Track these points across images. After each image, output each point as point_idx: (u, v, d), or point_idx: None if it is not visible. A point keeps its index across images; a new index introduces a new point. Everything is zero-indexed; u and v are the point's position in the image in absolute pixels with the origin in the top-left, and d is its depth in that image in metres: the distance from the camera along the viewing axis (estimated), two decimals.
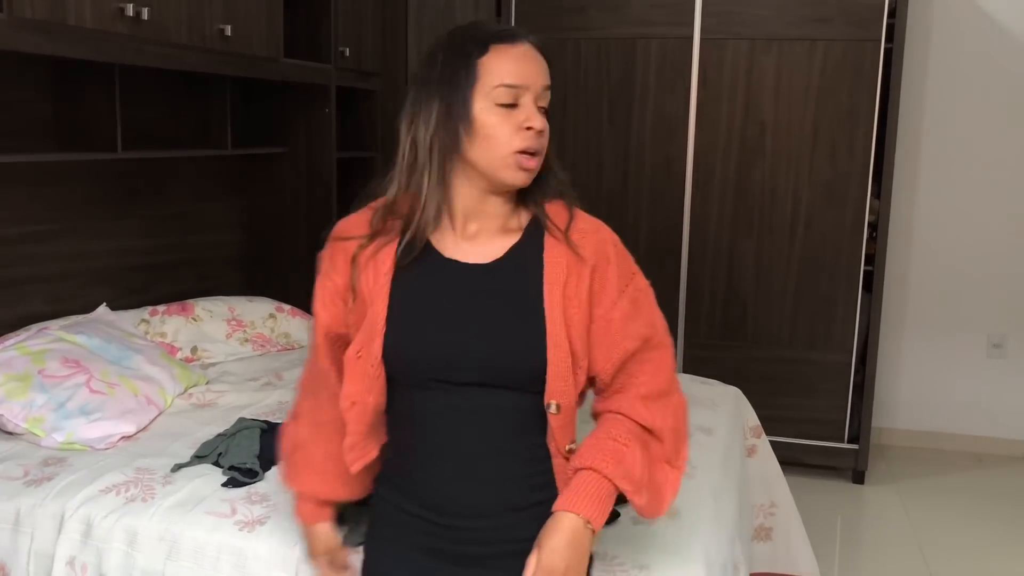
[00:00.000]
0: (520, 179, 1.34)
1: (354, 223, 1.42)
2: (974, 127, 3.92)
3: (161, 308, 2.90)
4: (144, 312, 2.87)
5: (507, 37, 1.32)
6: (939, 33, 3.88)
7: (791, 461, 3.50)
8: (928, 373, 4.10)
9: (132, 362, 2.44)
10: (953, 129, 3.93)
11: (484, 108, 1.30)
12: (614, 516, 1.78)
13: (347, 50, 3.52)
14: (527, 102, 1.32)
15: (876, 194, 3.53)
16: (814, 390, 3.61)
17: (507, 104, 1.30)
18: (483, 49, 1.30)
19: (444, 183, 1.34)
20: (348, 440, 1.39)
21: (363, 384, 1.35)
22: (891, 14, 3.36)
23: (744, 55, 3.51)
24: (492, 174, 1.32)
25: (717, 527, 1.87)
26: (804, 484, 3.51)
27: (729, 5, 3.48)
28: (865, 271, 3.53)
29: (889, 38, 3.37)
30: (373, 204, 1.41)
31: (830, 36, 3.41)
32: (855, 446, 3.61)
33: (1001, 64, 3.84)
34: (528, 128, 1.31)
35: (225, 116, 3.12)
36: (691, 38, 3.54)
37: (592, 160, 3.72)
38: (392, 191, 1.38)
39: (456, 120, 1.30)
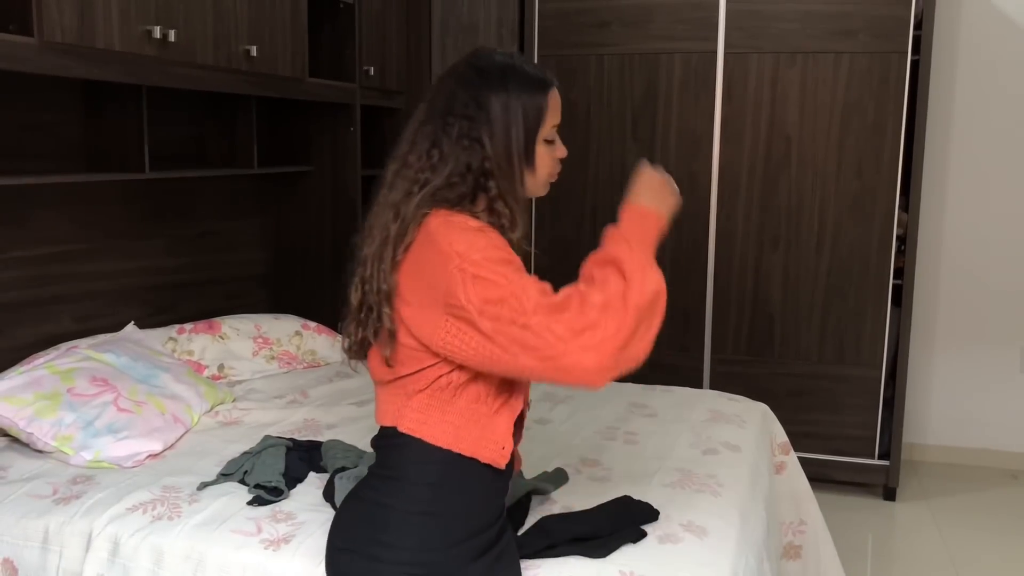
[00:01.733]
0: (541, 194, 1.57)
1: (477, 221, 1.46)
2: (1003, 138, 3.87)
3: (188, 326, 2.92)
4: (171, 330, 2.89)
5: (553, 81, 1.55)
6: (966, 44, 3.85)
7: (820, 478, 3.46)
8: (960, 388, 4.04)
9: (159, 380, 2.45)
10: (981, 140, 3.89)
11: (541, 143, 1.50)
12: (640, 535, 1.76)
13: (371, 69, 3.54)
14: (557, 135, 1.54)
15: (904, 207, 3.49)
16: (843, 406, 3.57)
17: (552, 140, 1.53)
18: (546, 91, 1.50)
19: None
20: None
21: None
22: (917, 26, 3.34)
23: (769, 69, 3.49)
24: (526, 194, 1.52)
25: (745, 545, 1.84)
26: (834, 501, 3.47)
27: (753, 19, 3.47)
28: (894, 285, 3.49)
29: (916, 50, 3.35)
30: (461, 215, 1.45)
31: (855, 49, 3.39)
32: (886, 462, 3.56)
33: None
34: (559, 158, 1.54)
35: (251, 136, 3.15)
36: (715, 52, 3.53)
37: (616, 175, 3.71)
38: (479, 209, 1.47)
39: (524, 154, 1.48)
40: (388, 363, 1.47)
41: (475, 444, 1.46)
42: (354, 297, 1.50)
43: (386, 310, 1.44)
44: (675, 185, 1.54)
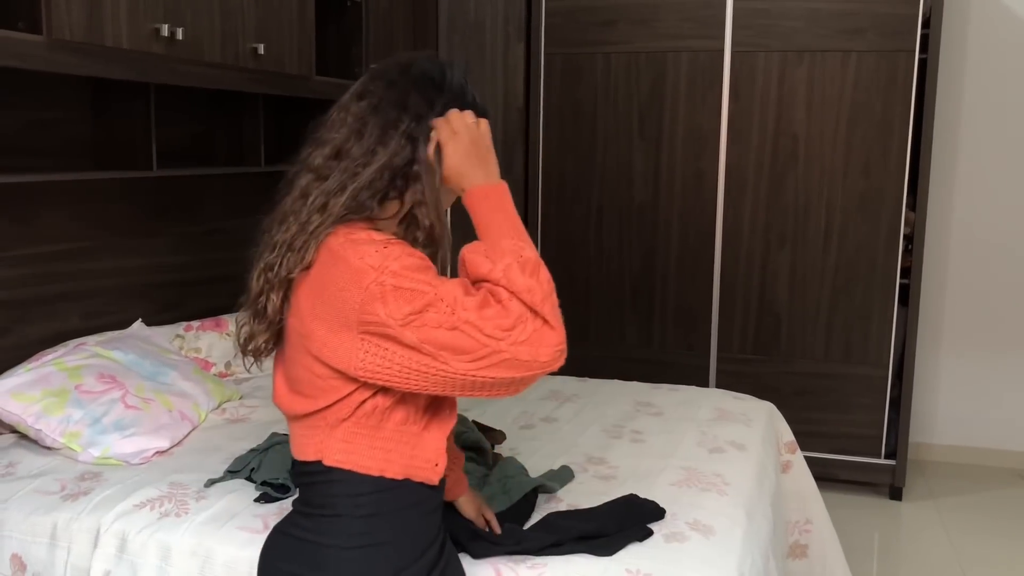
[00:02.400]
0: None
1: (381, 234, 1.38)
2: (1011, 137, 3.86)
3: (195, 324, 2.93)
4: (178, 328, 2.89)
5: (488, 115, 1.47)
6: (974, 43, 3.84)
7: (826, 477, 3.45)
8: (967, 387, 4.03)
9: (167, 377, 2.46)
10: (989, 139, 3.88)
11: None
12: (646, 534, 1.76)
13: None
14: None
15: (911, 206, 3.48)
16: (850, 405, 3.57)
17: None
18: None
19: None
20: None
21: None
22: (925, 24, 3.33)
23: (776, 67, 3.49)
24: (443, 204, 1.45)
25: (751, 544, 1.84)
26: (840, 500, 3.46)
27: (760, 17, 3.47)
28: (901, 284, 3.49)
29: (923, 48, 3.34)
30: (362, 231, 1.37)
31: (863, 47, 3.38)
32: (892, 462, 3.56)
33: None
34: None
35: (258, 134, 3.15)
36: (722, 51, 3.52)
37: (623, 172, 3.71)
38: (391, 212, 1.41)
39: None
40: (263, 351, 1.43)
41: (406, 466, 1.39)
42: (255, 284, 1.42)
43: (273, 296, 1.38)
44: (472, 117, 1.41)
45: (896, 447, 3.55)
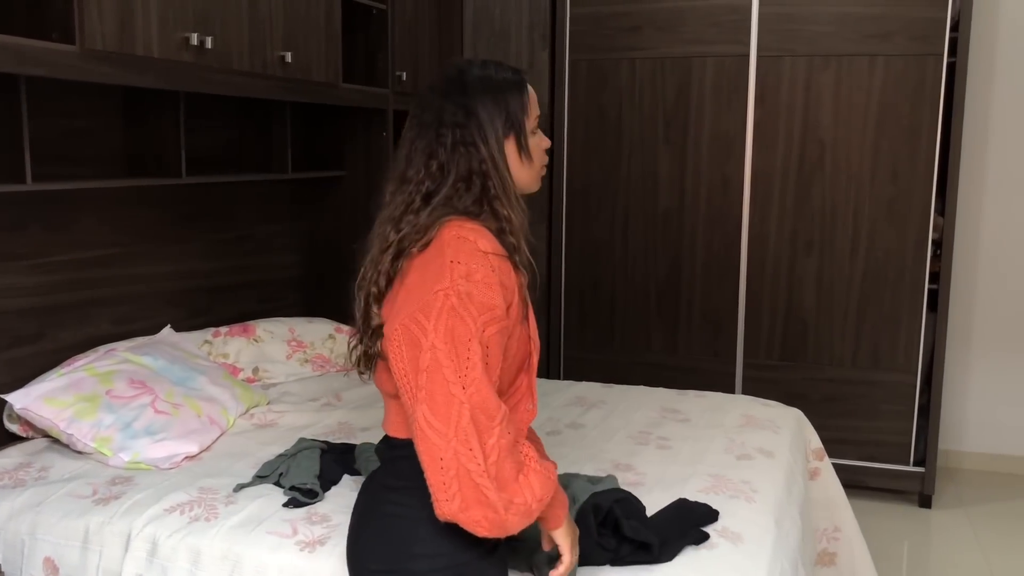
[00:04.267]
0: (537, 188, 1.59)
1: (489, 240, 1.45)
2: None
3: (224, 329, 2.95)
4: (207, 333, 2.92)
5: (526, 77, 1.57)
6: (1004, 46, 3.80)
7: (855, 484, 3.42)
8: (997, 393, 3.98)
9: (196, 383, 2.48)
10: (1019, 144, 3.83)
11: (531, 134, 1.53)
12: (702, 536, 1.77)
13: (404, 74, 3.56)
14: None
15: (940, 211, 3.45)
16: (878, 411, 3.53)
17: (535, 132, 1.55)
18: (523, 88, 1.53)
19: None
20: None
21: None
22: (954, 28, 3.30)
23: (802, 72, 3.47)
24: (526, 188, 1.55)
25: (780, 551, 1.83)
26: (869, 508, 3.43)
27: (787, 22, 3.45)
28: (930, 289, 3.45)
29: (952, 52, 3.31)
30: (473, 225, 1.44)
31: (891, 51, 3.36)
32: (921, 469, 3.52)
33: None
34: (546, 148, 1.58)
35: (285, 141, 3.18)
36: (747, 56, 3.51)
37: (648, 178, 3.71)
38: (476, 211, 1.48)
39: (521, 148, 1.51)
40: (381, 358, 1.48)
41: None
42: (357, 309, 1.54)
43: (374, 309, 1.48)
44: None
45: (925, 454, 3.51)
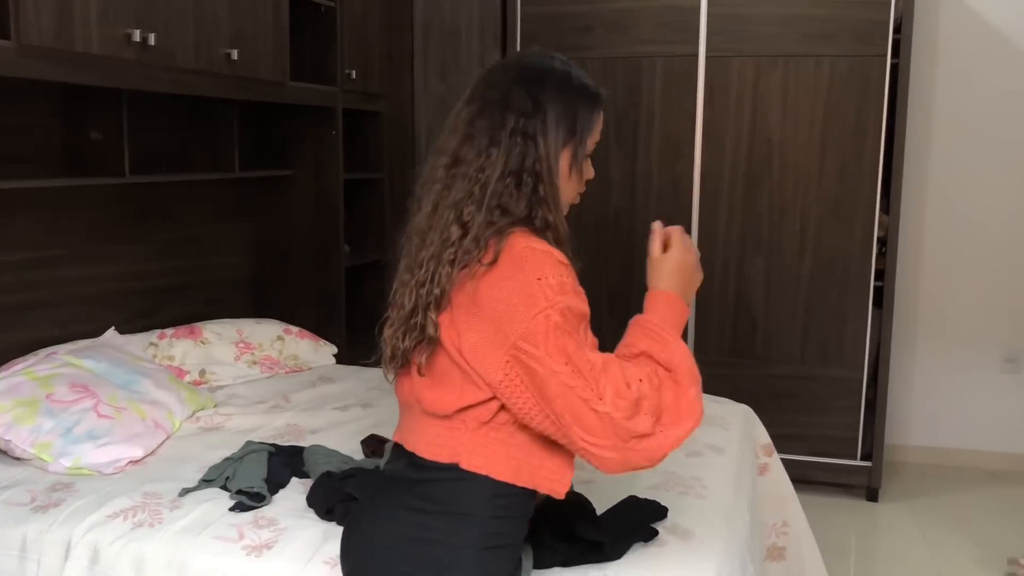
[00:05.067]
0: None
1: (556, 249, 1.42)
2: (982, 140, 3.90)
3: (169, 331, 2.90)
4: (152, 335, 2.87)
5: (605, 98, 1.54)
6: (945, 47, 3.88)
7: (803, 479, 3.47)
8: (941, 389, 4.07)
9: (140, 386, 2.43)
10: (961, 142, 3.92)
11: (586, 155, 1.50)
12: (651, 533, 1.77)
13: (353, 72, 3.54)
14: None
15: (885, 209, 3.51)
16: (826, 407, 3.59)
17: (589, 156, 1.52)
18: (599, 106, 1.50)
19: None
20: None
21: None
22: (897, 29, 3.36)
23: (750, 72, 3.51)
24: (565, 204, 1.49)
25: (729, 547, 1.85)
26: (817, 502, 3.48)
27: (734, 23, 3.49)
28: (875, 287, 3.51)
29: (895, 53, 3.37)
30: (535, 236, 1.40)
31: (836, 52, 3.41)
32: (868, 463, 3.58)
33: (1008, 77, 3.83)
34: (588, 178, 1.55)
35: (232, 139, 3.13)
36: (696, 56, 3.54)
37: (599, 178, 3.68)
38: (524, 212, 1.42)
39: (575, 161, 1.47)
40: (420, 372, 1.41)
41: (534, 475, 1.42)
42: (408, 300, 1.41)
43: (431, 315, 1.38)
44: (698, 254, 1.56)
45: (872, 449, 3.57)
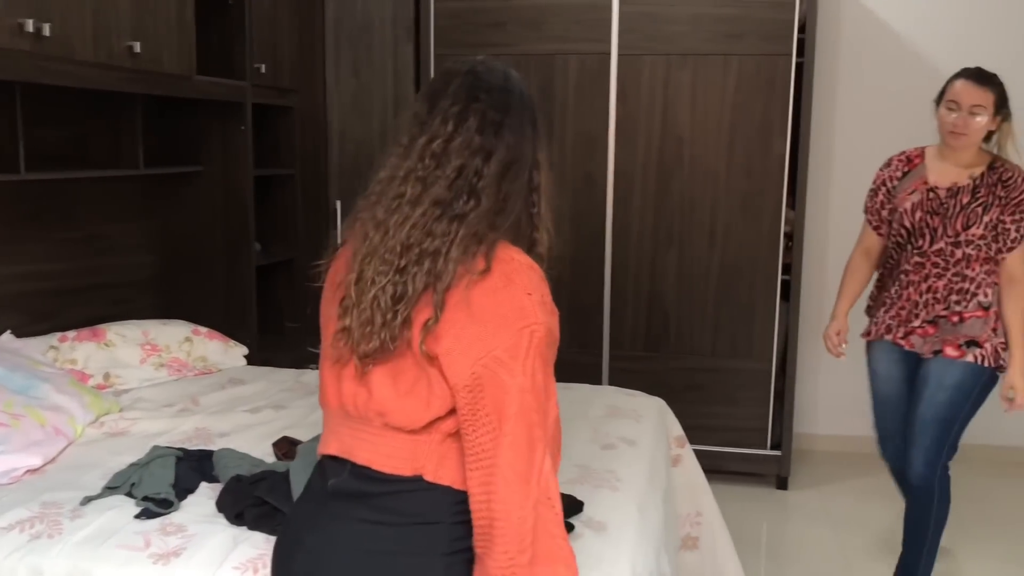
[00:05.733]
0: None
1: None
2: (882, 136, 4.03)
3: (71, 334, 2.80)
4: (53, 338, 2.76)
5: None
6: (847, 47, 4.01)
7: (716, 469, 3.54)
8: (846, 378, 4.19)
9: (39, 391, 2.34)
10: (863, 139, 4.05)
11: None
12: (568, 528, 1.78)
13: (263, 67, 3.46)
14: None
15: (791, 205, 3.61)
16: (736, 398, 3.67)
17: None
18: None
19: None
20: None
21: None
22: (801, 29, 3.46)
23: (661, 71, 3.56)
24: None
25: (643, 539, 1.87)
26: (729, 492, 3.56)
27: (645, 21, 3.53)
28: (783, 280, 3.61)
29: (800, 53, 3.47)
30: (516, 248, 1.37)
31: (743, 51, 3.48)
32: (778, 452, 3.68)
33: (905, 76, 3.97)
34: None
35: (136, 135, 3.04)
36: (609, 54, 3.58)
37: None
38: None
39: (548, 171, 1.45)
40: (380, 380, 1.33)
41: None
42: (390, 286, 1.30)
43: (400, 308, 1.29)
44: None
45: (781, 438, 3.67)
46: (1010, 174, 2.58)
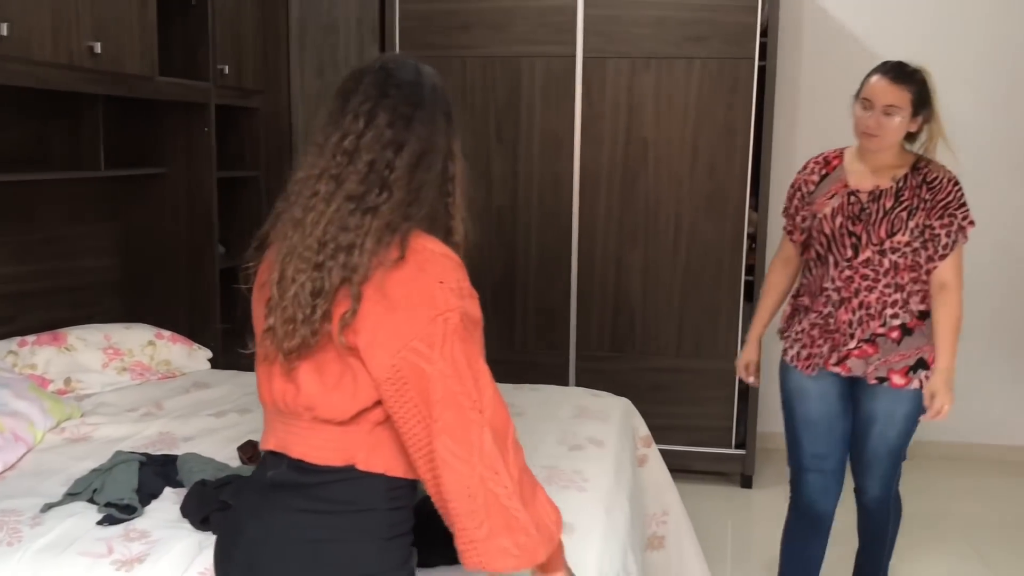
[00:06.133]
0: None
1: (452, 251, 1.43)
2: (843, 138, 4.06)
3: (31, 338, 2.76)
4: (12, 343, 2.72)
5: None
6: (809, 51, 4.06)
7: (681, 469, 3.57)
8: None
9: None
10: (824, 141, 4.08)
11: None
12: None
13: (226, 68, 3.43)
14: None
15: (754, 206, 3.65)
16: (701, 398, 3.70)
17: None
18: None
19: None
20: None
21: None
22: (763, 33, 3.50)
23: (626, 73, 3.58)
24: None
25: (610, 538, 1.88)
26: (694, 491, 3.59)
27: (610, 24, 3.55)
28: (746, 281, 3.65)
29: (762, 56, 3.51)
30: (432, 237, 1.40)
31: (706, 54, 3.52)
32: (742, 451, 3.71)
33: None
34: None
35: (97, 136, 3.00)
36: (574, 57, 3.59)
37: (481, 176, 3.73)
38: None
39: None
40: (304, 375, 1.36)
41: None
42: (308, 282, 1.33)
43: (320, 301, 1.31)
44: None
45: (745, 437, 3.71)
46: (935, 175, 2.34)
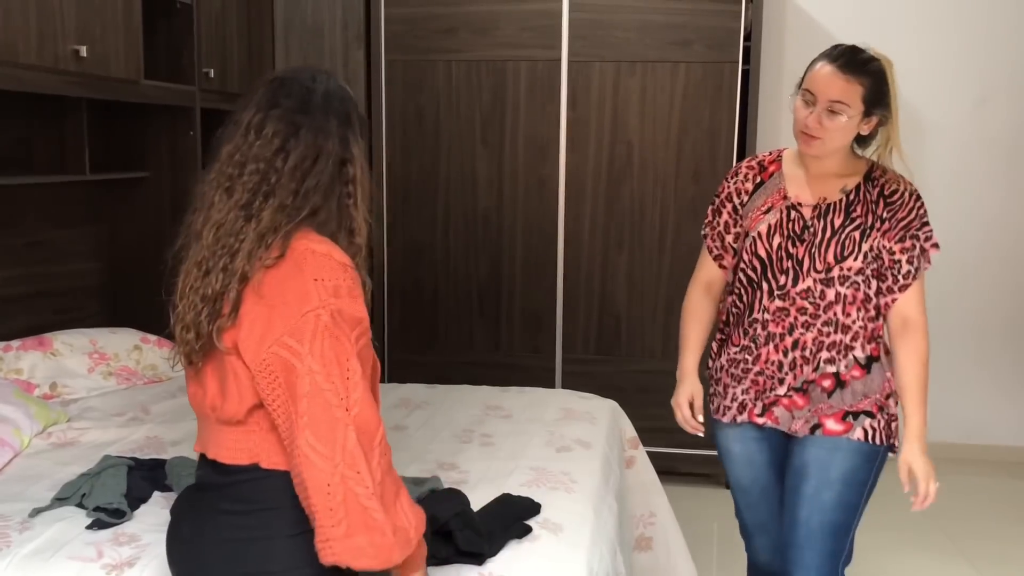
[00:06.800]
0: None
1: (340, 251, 1.43)
2: None
3: (16, 343, 2.74)
4: None
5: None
6: (792, 55, 4.10)
7: (668, 470, 3.58)
8: None
9: None
10: None
11: None
12: (525, 530, 1.79)
13: (211, 71, 3.43)
14: None
15: None
16: None
17: None
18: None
19: None
20: None
21: None
22: (747, 37, 3.53)
23: (610, 77, 3.60)
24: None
25: (598, 539, 1.90)
26: (681, 493, 3.60)
27: (595, 28, 3.57)
28: None
29: (746, 60, 3.54)
30: (320, 237, 1.41)
31: (691, 58, 3.54)
32: None
33: None
34: None
35: (82, 140, 2.98)
36: (559, 60, 3.61)
37: (467, 180, 3.74)
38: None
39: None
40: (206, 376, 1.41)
41: None
42: (199, 288, 1.40)
43: (217, 313, 1.38)
44: None
45: None
46: (893, 187, 1.90)
